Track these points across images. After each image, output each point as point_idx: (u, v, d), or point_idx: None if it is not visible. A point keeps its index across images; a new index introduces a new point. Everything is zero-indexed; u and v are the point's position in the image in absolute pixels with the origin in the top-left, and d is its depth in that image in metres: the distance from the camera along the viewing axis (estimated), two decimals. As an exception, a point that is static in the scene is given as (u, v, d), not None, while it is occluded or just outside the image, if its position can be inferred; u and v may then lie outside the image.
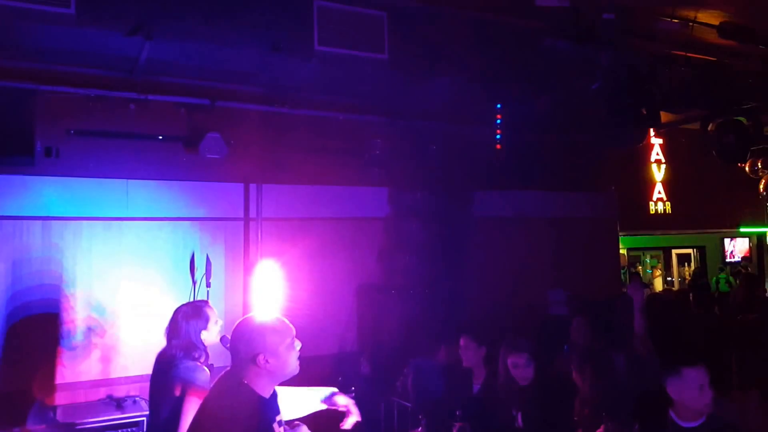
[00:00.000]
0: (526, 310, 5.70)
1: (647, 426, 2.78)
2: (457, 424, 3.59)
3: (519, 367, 3.61)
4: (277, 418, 2.10)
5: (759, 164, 7.57)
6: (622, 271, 9.18)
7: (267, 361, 1.99)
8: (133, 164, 4.88)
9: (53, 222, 4.63)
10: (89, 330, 4.69)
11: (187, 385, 2.73)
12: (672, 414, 2.66)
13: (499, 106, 4.97)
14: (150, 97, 4.77)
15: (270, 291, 4.92)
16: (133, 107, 4.77)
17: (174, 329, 2.98)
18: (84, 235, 4.73)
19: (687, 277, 10.38)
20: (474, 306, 5.58)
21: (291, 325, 2.13)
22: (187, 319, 2.98)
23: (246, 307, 5.04)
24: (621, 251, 8.62)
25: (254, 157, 5.27)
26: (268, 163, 5.32)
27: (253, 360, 2.00)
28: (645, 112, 5.33)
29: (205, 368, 2.86)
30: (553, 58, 4.88)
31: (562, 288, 5.53)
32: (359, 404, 4.13)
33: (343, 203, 5.71)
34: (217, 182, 5.24)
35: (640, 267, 11.34)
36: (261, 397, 2.02)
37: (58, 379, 4.52)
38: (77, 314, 4.66)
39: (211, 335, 2.98)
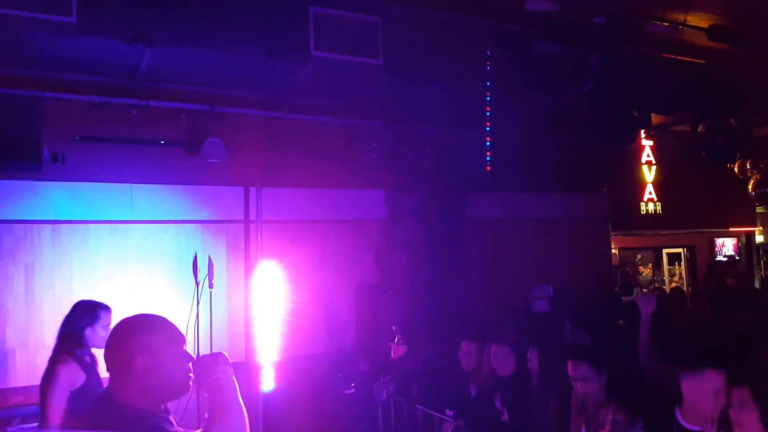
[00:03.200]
0: (520, 309, 5.79)
1: (652, 422, 2.74)
2: (453, 423, 3.68)
3: (498, 358, 3.73)
4: (171, 418, 1.65)
5: (748, 165, 7.69)
6: (614, 270, 9.29)
7: (147, 366, 1.55)
8: (136, 169, 4.98)
9: (62, 225, 4.73)
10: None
11: (49, 378, 2.79)
12: (678, 415, 2.59)
13: (488, 114, 5.05)
14: (151, 103, 4.88)
15: (270, 291, 5.05)
16: (135, 113, 4.87)
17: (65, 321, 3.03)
18: (91, 238, 4.83)
19: (677, 276, 10.50)
20: (469, 305, 5.69)
21: (181, 332, 1.71)
22: (80, 313, 3.04)
23: (248, 307, 5.13)
24: (613, 251, 8.73)
25: (254, 160, 5.36)
26: (267, 166, 5.41)
27: (129, 365, 1.55)
28: (636, 114, 5.45)
29: (76, 364, 2.86)
30: (545, 62, 4.99)
31: (547, 284, 5.60)
32: (358, 400, 4.24)
33: (340, 206, 5.81)
34: (218, 186, 5.33)
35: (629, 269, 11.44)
36: (141, 411, 1.55)
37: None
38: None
39: (96, 336, 2.98)
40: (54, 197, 4.70)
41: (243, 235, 5.38)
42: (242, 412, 1.61)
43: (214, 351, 2.60)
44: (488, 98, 5.09)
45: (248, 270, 5.22)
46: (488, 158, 5.18)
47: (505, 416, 3.59)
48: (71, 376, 2.82)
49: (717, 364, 2.50)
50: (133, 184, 4.98)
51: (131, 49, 4.09)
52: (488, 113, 5.04)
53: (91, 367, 2.94)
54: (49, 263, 4.68)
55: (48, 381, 2.81)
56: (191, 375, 1.67)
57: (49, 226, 4.69)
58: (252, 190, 5.43)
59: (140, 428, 1.53)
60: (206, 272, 4.94)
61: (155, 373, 1.57)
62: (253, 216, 5.38)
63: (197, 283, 4.95)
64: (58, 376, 2.79)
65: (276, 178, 5.49)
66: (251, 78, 4.91)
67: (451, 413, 3.74)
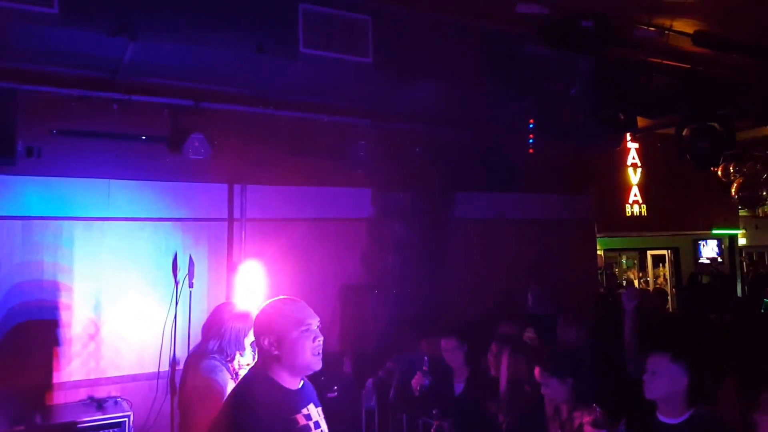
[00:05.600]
0: (506, 309, 5.79)
1: (634, 421, 2.79)
2: (435, 423, 3.66)
3: (448, 351, 3.88)
4: (303, 411, 1.92)
5: (731, 168, 7.80)
6: (599, 272, 9.37)
7: (273, 346, 1.88)
8: (115, 164, 4.85)
9: (34, 222, 4.59)
10: (70, 330, 4.66)
11: (201, 382, 2.64)
12: (657, 411, 2.67)
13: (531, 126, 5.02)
14: (133, 97, 4.75)
15: (253, 291, 4.98)
16: (116, 107, 4.74)
17: (215, 326, 2.88)
18: (65, 235, 4.69)
19: (661, 278, 10.63)
20: (455, 305, 5.67)
21: (312, 313, 1.99)
22: (234, 319, 2.90)
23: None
24: (598, 252, 8.80)
25: (238, 158, 5.28)
26: (252, 163, 5.33)
27: (260, 345, 1.90)
28: (622, 117, 5.48)
29: (226, 372, 2.74)
30: (534, 64, 4.99)
31: (545, 286, 5.63)
32: (342, 403, 4.21)
33: (327, 204, 5.75)
34: (200, 183, 5.24)
35: (617, 269, 11.57)
36: (283, 389, 1.90)
37: (38, 380, 4.48)
38: (57, 315, 4.63)
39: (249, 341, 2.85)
40: (26, 192, 4.55)
41: (225, 233, 5.30)
42: None
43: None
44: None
45: (231, 269, 5.14)
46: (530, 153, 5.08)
47: (500, 418, 3.58)
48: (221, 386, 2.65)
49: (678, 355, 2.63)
50: (110, 180, 4.86)
51: (114, 42, 3.97)
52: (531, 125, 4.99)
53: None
54: (18, 260, 4.53)
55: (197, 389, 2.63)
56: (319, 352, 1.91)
57: (19, 222, 4.54)
58: (236, 188, 5.35)
59: (281, 401, 1.84)
60: (186, 272, 4.85)
61: (281, 352, 1.85)
62: (237, 214, 5.30)
63: (176, 283, 4.86)
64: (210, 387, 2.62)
65: (261, 175, 5.42)
66: (237, 74, 4.82)
67: (436, 412, 3.73)
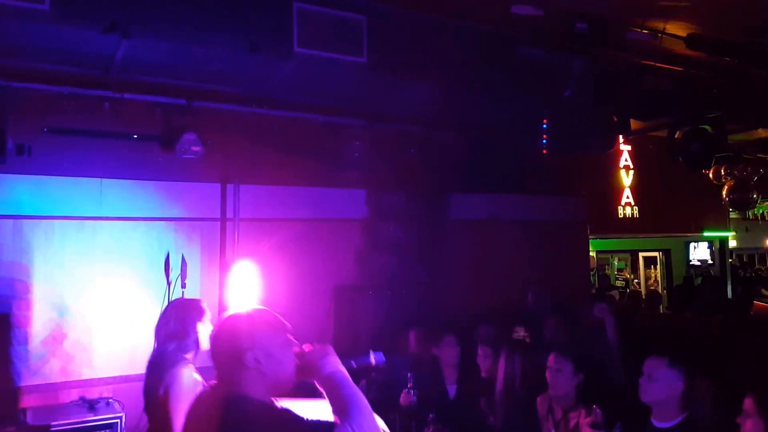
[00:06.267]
0: (500, 310, 5.79)
1: (629, 426, 2.80)
2: (431, 428, 3.64)
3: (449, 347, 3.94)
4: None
5: (722, 171, 7.84)
6: (591, 272, 9.42)
7: (258, 360, 1.61)
8: (107, 163, 4.80)
9: (24, 221, 4.53)
10: (60, 331, 4.61)
11: (170, 386, 2.50)
12: (651, 415, 2.69)
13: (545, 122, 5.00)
14: (125, 95, 4.71)
15: (246, 292, 4.94)
16: (108, 106, 4.70)
17: (165, 321, 2.78)
18: (56, 235, 4.64)
19: (652, 279, 10.70)
20: (449, 306, 5.67)
21: (285, 322, 1.77)
22: (182, 309, 2.83)
23: (222, 309, 5.01)
24: (591, 254, 8.83)
25: (232, 157, 5.25)
26: (245, 163, 5.30)
27: (240, 361, 1.60)
28: (616, 120, 5.50)
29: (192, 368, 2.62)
30: (529, 65, 4.99)
31: (544, 286, 5.65)
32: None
33: (321, 204, 5.73)
34: (193, 182, 5.20)
35: (608, 270, 11.64)
36: (280, 409, 1.60)
37: (29, 381, 4.43)
38: (48, 314, 4.58)
39: (206, 330, 2.74)
40: (17, 191, 4.50)
41: (218, 233, 5.26)
42: (369, 406, 1.62)
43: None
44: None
45: (223, 269, 5.11)
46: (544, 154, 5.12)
47: (491, 418, 3.58)
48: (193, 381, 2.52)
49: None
50: (102, 179, 4.81)
51: (106, 40, 3.93)
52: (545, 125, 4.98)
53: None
54: (9, 259, 4.47)
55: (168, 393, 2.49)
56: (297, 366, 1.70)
57: (10, 220, 4.49)
58: (229, 187, 5.31)
59: (266, 418, 1.55)
60: (179, 272, 4.81)
61: (264, 366, 1.61)
62: (230, 214, 5.26)
63: (169, 283, 4.82)
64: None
65: (255, 175, 5.38)
66: (231, 72, 4.79)
67: (431, 416, 3.71)
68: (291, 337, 1.76)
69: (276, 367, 1.66)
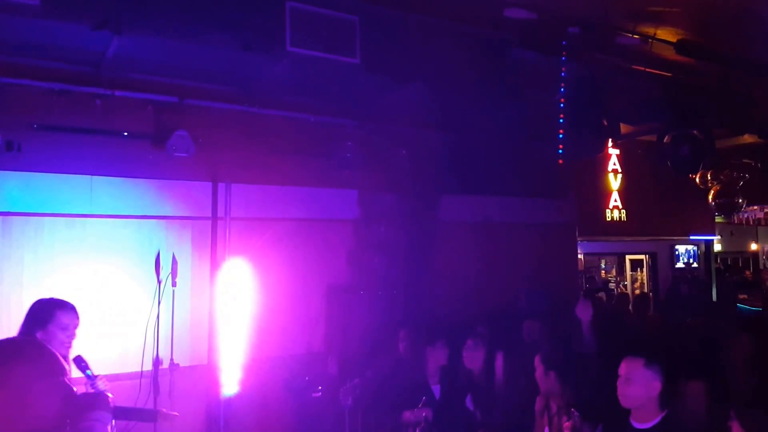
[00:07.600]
0: (489, 311, 5.83)
1: (609, 427, 2.82)
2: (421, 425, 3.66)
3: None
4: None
5: (709, 176, 7.94)
6: (579, 275, 9.50)
7: (7, 399, 1.39)
8: (97, 160, 4.76)
9: (13, 217, 4.48)
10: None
11: None
12: (630, 417, 2.69)
13: (561, 120, 4.99)
14: (117, 93, 4.68)
15: (237, 291, 4.93)
16: (99, 103, 4.66)
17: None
18: (46, 232, 4.59)
19: (639, 282, 10.81)
20: (440, 307, 5.69)
21: (65, 366, 1.59)
22: (30, 313, 2.79)
23: (212, 307, 4.99)
24: (579, 256, 8.90)
25: (223, 155, 5.22)
26: (237, 162, 5.28)
27: None
28: (606, 124, 5.55)
29: None
30: (520, 68, 5.03)
31: (538, 287, 5.70)
32: (325, 405, 4.16)
33: (312, 204, 5.72)
34: (184, 180, 5.17)
35: (602, 272, 11.74)
36: None
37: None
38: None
39: (52, 339, 2.72)
40: (6, 187, 4.45)
41: (209, 231, 5.24)
42: None
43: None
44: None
45: (214, 268, 5.09)
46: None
47: (478, 416, 3.61)
48: None
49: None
50: (93, 176, 4.77)
51: (97, 36, 3.90)
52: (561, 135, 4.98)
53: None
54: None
55: None
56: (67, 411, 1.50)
57: (-1, 217, 4.45)
58: (221, 186, 5.28)
59: None
60: (169, 270, 4.78)
61: (15, 408, 1.40)
62: (221, 212, 5.24)
63: (159, 282, 4.79)
64: None
65: (246, 174, 5.36)
66: (223, 71, 4.78)
67: (425, 399, 3.74)
68: (65, 381, 1.55)
69: (29, 410, 1.44)
